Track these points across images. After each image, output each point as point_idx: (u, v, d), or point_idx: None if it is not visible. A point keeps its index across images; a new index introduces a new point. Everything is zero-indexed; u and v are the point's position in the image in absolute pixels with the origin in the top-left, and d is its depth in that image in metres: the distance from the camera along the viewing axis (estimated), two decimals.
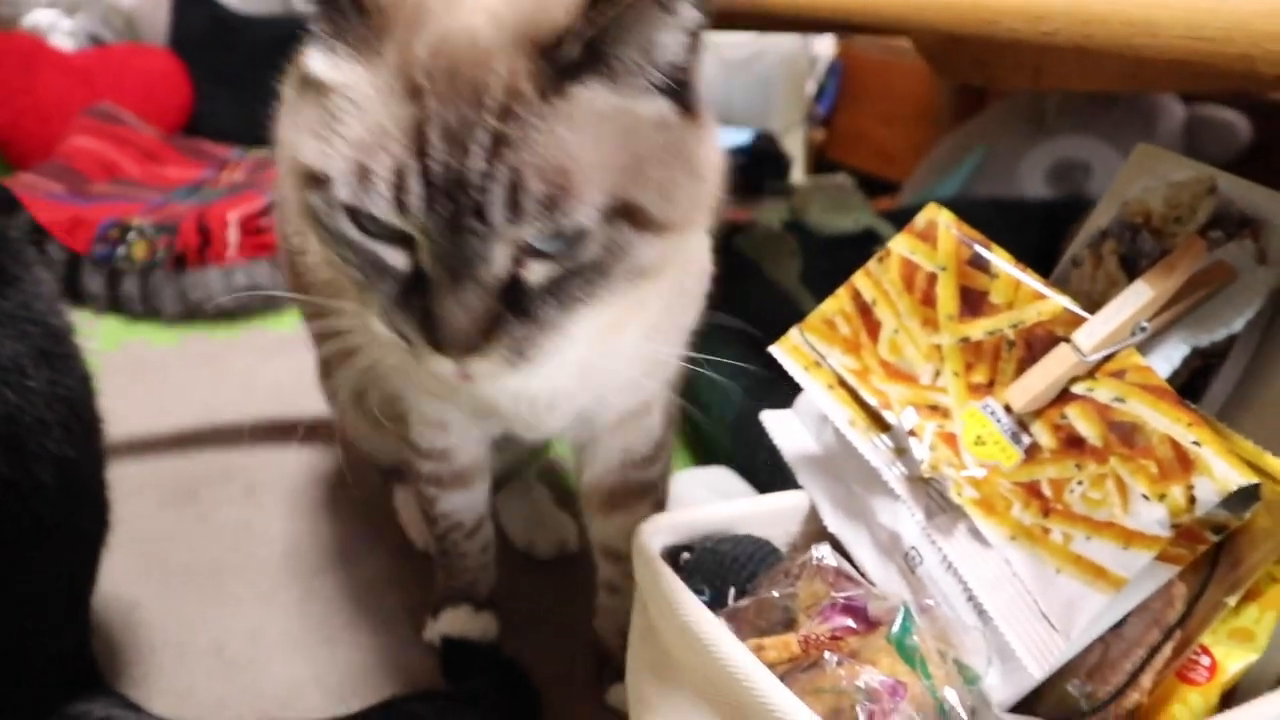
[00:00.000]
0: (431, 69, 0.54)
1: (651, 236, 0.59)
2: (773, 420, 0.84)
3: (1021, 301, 0.71)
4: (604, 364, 0.72)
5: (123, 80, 2.81)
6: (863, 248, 1.71)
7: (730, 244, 1.53)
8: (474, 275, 0.55)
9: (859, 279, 0.77)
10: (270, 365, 1.74)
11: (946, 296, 0.74)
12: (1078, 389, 0.67)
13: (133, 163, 2.60)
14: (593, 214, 0.55)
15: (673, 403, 0.92)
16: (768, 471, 1.16)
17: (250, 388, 1.67)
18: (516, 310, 0.57)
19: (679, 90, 0.60)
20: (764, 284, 1.40)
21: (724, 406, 1.25)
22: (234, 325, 1.91)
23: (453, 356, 0.57)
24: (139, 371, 1.72)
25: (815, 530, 0.80)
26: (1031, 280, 0.71)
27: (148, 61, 2.90)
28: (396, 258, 0.57)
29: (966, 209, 1.80)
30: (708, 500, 1.14)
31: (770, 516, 0.79)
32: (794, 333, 0.78)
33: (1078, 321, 0.68)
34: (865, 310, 0.76)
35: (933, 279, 0.74)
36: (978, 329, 0.72)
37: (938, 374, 0.73)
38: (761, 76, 2.92)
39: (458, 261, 0.55)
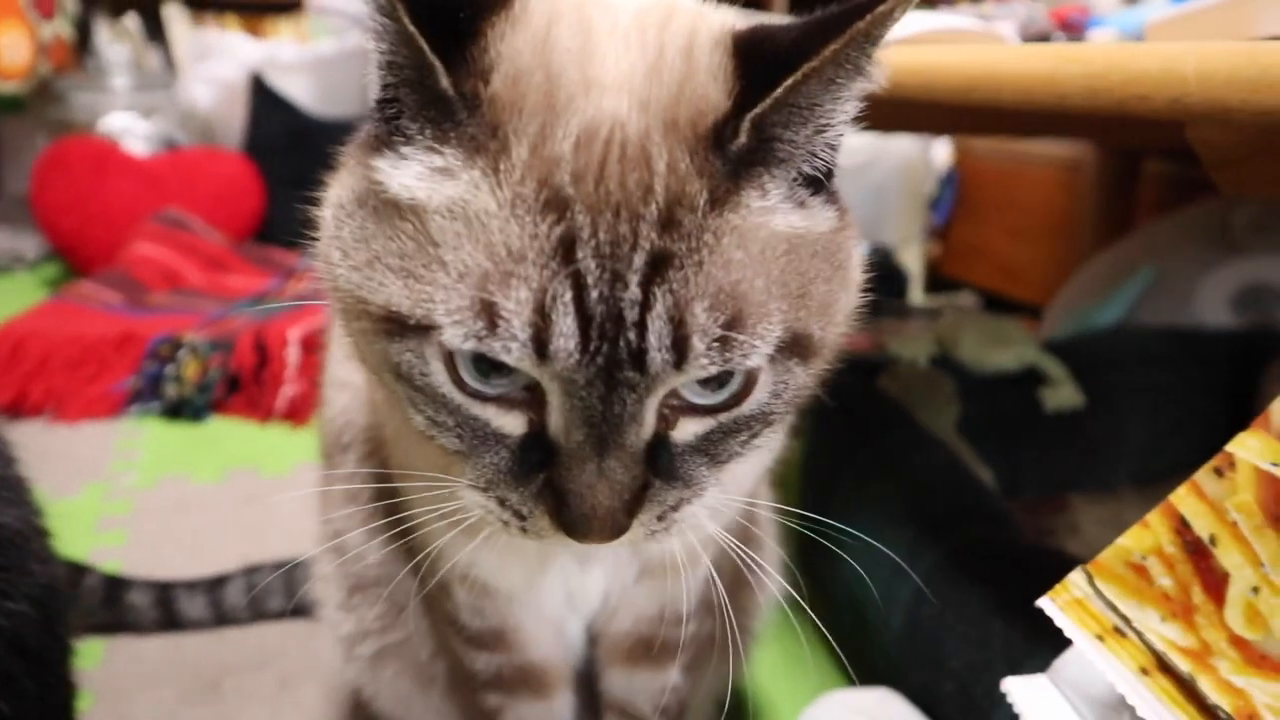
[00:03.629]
0: (578, 170, 0.43)
1: (810, 367, 0.49)
2: (1023, 694, 0.56)
3: None
4: None
5: (194, 185, 2.69)
6: (1027, 390, 1.43)
7: (873, 385, 1.26)
8: (621, 440, 0.44)
9: (1183, 500, 0.50)
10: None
11: None
12: None
13: (196, 271, 2.45)
14: (766, 353, 0.44)
15: (729, 560, 0.70)
16: (955, 705, 0.86)
17: (298, 537, 1.42)
18: (662, 474, 0.46)
19: (828, 182, 0.50)
20: (918, 436, 1.12)
21: (888, 608, 0.96)
22: (285, 462, 1.70)
23: (589, 540, 0.46)
24: (174, 514, 1.49)
25: None
26: None
27: (220, 166, 2.78)
28: (509, 422, 0.46)
29: (1135, 340, 1.47)
30: None
31: None
32: (1077, 578, 0.51)
33: None
34: (1199, 552, 0.49)
35: None
36: None
37: None
38: (876, 185, 2.67)
39: (605, 423, 0.43)
